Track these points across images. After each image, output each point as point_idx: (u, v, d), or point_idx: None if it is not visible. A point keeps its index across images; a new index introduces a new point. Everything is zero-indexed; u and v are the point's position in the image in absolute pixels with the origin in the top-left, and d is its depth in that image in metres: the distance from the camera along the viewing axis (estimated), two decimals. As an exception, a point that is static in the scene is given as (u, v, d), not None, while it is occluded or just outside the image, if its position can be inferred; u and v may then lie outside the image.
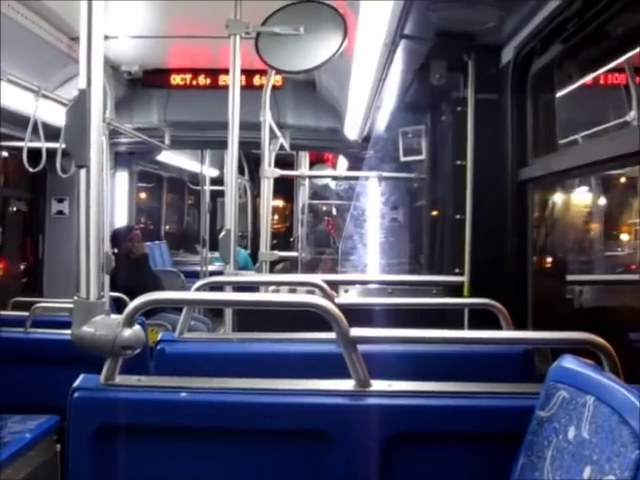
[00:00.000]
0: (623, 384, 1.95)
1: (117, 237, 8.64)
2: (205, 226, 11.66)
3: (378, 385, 2.54)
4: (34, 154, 5.62)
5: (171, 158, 12.50)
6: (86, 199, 2.41)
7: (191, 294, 3.41)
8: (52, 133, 5.63)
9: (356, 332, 2.51)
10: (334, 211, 13.76)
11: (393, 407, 2.50)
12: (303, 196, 11.92)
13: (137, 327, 2.44)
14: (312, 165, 12.62)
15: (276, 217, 17.17)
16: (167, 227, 15.29)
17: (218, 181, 12.66)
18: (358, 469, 2.45)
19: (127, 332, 2.39)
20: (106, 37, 2.47)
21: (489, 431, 2.49)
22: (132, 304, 2.48)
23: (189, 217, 16.97)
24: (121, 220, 10.34)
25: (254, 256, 11.16)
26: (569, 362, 2.22)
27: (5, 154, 7.78)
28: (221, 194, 12.64)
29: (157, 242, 13.14)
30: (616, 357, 2.36)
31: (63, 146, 5.48)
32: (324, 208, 14.20)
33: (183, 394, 2.49)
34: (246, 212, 13.80)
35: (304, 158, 11.11)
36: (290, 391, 2.55)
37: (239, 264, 8.04)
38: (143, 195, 14.08)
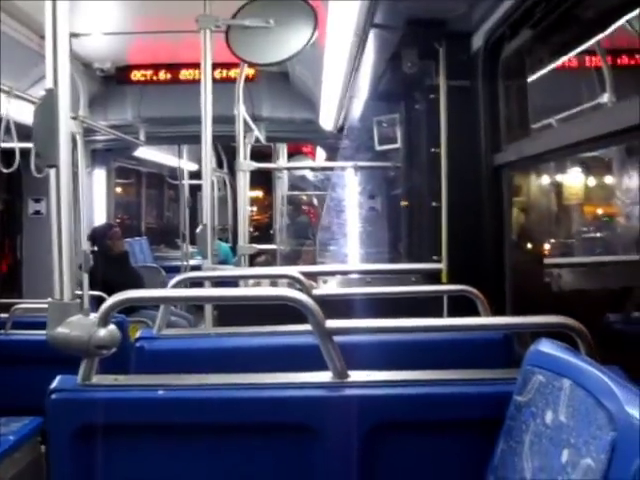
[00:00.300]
0: (598, 366, 1.95)
1: (96, 235, 8.59)
2: (185, 221, 11.63)
3: (356, 376, 2.55)
4: (7, 155, 5.58)
5: (149, 154, 12.48)
6: (57, 199, 2.40)
7: (166, 291, 3.41)
8: (25, 133, 5.59)
9: (332, 323, 2.51)
10: (315, 201, 13.76)
11: (372, 397, 2.50)
12: (282, 188, 11.93)
13: (112, 326, 2.43)
14: (291, 156, 12.64)
15: (256, 209, 17.16)
16: (147, 223, 15.25)
17: (197, 175, 12.60)
18: (339, 460, 2.46)
19: (102, 332, 2.38)
20: (77, 34, 2.47)
21: (469, 418, 2.50)
22: (106, 303, 2.48)
23: (169, 212, 16.93)
24: (100, 217, 10.30)
25: (235, 249, 11.18)
26: (545, 346, 2.22)
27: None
28: (201, 188, 12.57)
29: (137, 238, 13.10)
30: (591, 339, 2.38)
31: (36, 146, 5.47)
32: (304, 198, 14.18)
33: (160, 392, 2.49)
34: (226, 205, 13.76)
35: (282, 150, 11.11)
36: (269, 385, 2.55)
37: (220, 257, 8.05)
38: (122, 191, 14.04)
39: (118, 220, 12.38)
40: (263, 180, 13.79)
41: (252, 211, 13.01)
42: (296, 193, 13.53)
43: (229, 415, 2.50)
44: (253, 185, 6.36)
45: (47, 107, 2.36)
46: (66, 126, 2.38)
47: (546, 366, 2.14)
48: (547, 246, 5.04)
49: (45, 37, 2.40)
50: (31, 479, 4.54)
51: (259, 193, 17.87)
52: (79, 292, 2.67)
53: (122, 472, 2.50)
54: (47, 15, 2.37)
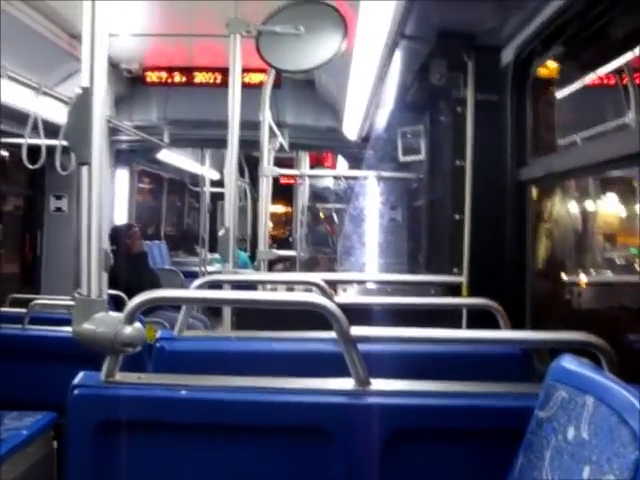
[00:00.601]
0: (622, 384, 1.95)
1: (116, 234, 8.62)
2: (205, 225, 11.65)
3: (378, 384, 2.55)
4: (33, 151, 5.62)
5: (171, 157, 12.51)
6: (88, 197, 2.41)
7: (191, 292, 3.42)
8: (51, 130, 5.64)
9: (356, 331, 2.52)
10: (335, 216, 13.74)
11: (392, 406, 2.51)
12: (303, 198, 11.93)
13: (137, 324, 2.45)
14: (312, 168, 12.63)
15: (273, 225, 17.17)
16: (167, 228, 15.28)
17: (219, 184, 12.64)
18: (358, 467, 2.46)
19: (128, 329, 2.40)
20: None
21: (488, 430, 2.50)
22: (133, 301, 2.49)
23: (189, 219, 16.95)
24: (121, 218, 10.33)
25: (253, 258, 11.18)
26: (568, 362, 2.22)
27: (4, 153, 7.78)
28: (222, 197, 12.61)
29: (156, 242, 13.12)
30: (615, 357, 2.37)
31: (63, 143, 5.49)
32: (321, 212, 14.18)
33: (183, 392, 2.50)
34: (246, 215, 13.76)
35: (304, 159, 11.12)
36: (289, 390, 2.56)
37: (239, 265, 8.05)
38: (144, 195, 14.08)
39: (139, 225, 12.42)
40: (283, 194, 13.81)
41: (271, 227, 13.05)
42: (318, 205, 13.53)
43: (250, 418, 2.51)
44: (273, 199, 6.36)
45: (82, 105, 2.38)
46: (100, 124, 2.40)
47: (569, 382, 2.14)
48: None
49: (75, 36, 2.42)
50: (43, 474, 4.56)
51: (278, 208, 17.91)
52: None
53: (141, 469, 2.51)
54: (85, 14, 2.39)
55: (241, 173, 13.03)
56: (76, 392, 2.47)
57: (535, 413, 2.24)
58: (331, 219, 13.57)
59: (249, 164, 13.19)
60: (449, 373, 2.75)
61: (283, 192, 12.89)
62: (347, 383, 2.54)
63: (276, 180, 6.03)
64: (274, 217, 17.00)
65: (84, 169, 2.41)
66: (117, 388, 2.50)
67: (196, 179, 12.81)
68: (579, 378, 2.11)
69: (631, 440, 1.75)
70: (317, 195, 13.36)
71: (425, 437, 2.52)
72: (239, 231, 5.28)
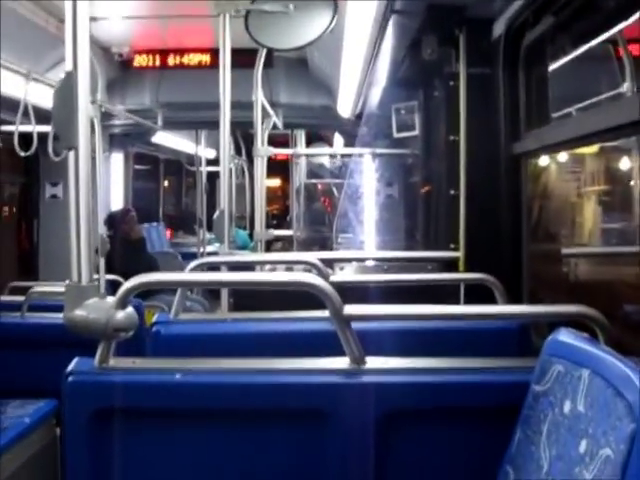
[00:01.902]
0: (618, 356, 1.93)
1: (113, 220, 8.61)
2: (202, 206, 11.62)
3: (373, 362, 2.54)
4: (25, 138, 5.59)
5: (167, 139, 12.47)
6: (75, 181, 2.39)
7: (183, 275, 3.41)
8: (43, 116, 5.61)
9: (350, 309, 2.50)
10: (335, 190, 13.70)
11: (388, 384, 2.50)
12: (299, 175, 11.90)
13: (130, 309, 2.43)
14: (309, 143, 12.60)
15: (271, 199, 17.15)
16: (166, 209, 15.25)
17: (216, 162, 12.59)
18: (354, 446, 2.46)
19: (120, 314, 2.38)
20: (95, 18, 2.45)
21: (485, 406, 2.49)
22: (124, 286, 2.48)
23: (187, 199, 16.93)
24: (117, 202, 10.31)
25: (252, 237, 11.16)
26: (564, 335, 2.21)
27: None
28: (219, 175, 12.54)
29: (154, 224, 13.11)
30: (611, 329, 2.36)
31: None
32: (319, 187, 14.14)
33: (178, 376, 2.49)
34: (244, 193, 13.73)
35: (300, 136, 11.09)
36: (285, 370, 2.55)
37: (238, 244, 8.04)
38: (140, 177, 14.04)
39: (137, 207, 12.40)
40: (280, 169, 13.77)
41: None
42: (314, 181, 13.50)
43: (246, 400, 2.51)
44: (270, 174, 6.34)
45: (66, 89, 2.36)
46: (85, 108, 2.37)
47: (565, 356, 2.13)
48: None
49: (64, 21, 2.38)
50: (46, 461, 4.56)
51: (275, 181, 17.89)
52: (96, 276, 2.68)
53: (138, 455, 2.50)
54: (67, -1, 2.36)
55: (238, 151, 13.00)
56: (70, 379, 2.46)
57: (531, 387, 2.23)
58: (329, 194, 13.54)
59: (246, 141, 13.16)
60: (447, 350, 2.74)
61: (279, 167, 12.85)
62: (342, 362, 2.53)
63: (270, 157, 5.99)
64: (270, 191, 17.03)
65: (71, 153, 2.39)
66: (111, 374, 2.49)
67: (193, 159, 12.76)
68: (575, 351, 2.10)
69: (627, 413, 1.74)
70: (314, 172, 13.33)
71: (422, 415, 2.51)
72: (237, 209, 5.27)
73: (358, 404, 2.45)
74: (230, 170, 5.03)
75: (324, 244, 10.16)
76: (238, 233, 9.94)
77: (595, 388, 1.91)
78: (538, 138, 3.90)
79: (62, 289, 4.70)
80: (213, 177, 12.75)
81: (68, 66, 2.35)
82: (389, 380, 2.51)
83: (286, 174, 13.98)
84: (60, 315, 3.88)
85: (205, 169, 12.15)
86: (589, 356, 2.03)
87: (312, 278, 2.58)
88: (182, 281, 3.28)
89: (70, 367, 2.49)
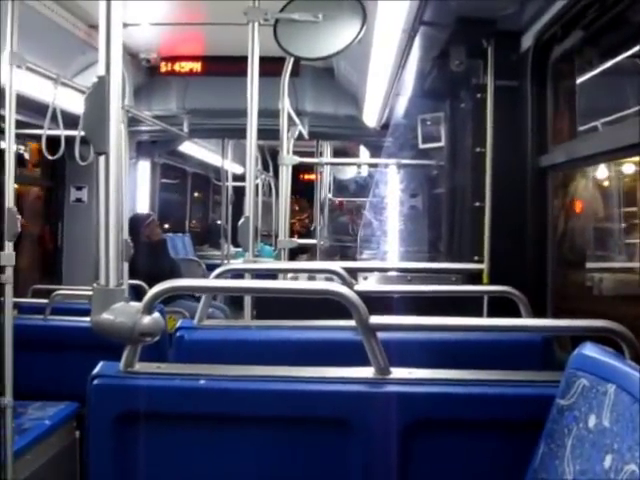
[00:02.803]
0: (644, 372, 1.93)
1: (134, 223, 8.63)
2: (227, 218, 11.62)
3: (398, 373, 2.54)
4: (53, 142, 5.63)
5: (194, 150, 12.48)
6: (105, 186, 2.40)
7: (210, 281, 3.41)
8: (70, 121, 5.64)
9: (376, 319, 2.51)
10: (358, 207, 13.64)
11: (413, 395, 2.50)
12: (324, 189, 11.88)
13: (156, 314, 2.44)
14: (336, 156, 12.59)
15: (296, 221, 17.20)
16: (192, 223, 15.27)
17: (242, 178, 12.51)
18: (377, 456, 2.45)
19: (146, 319, 2.39)
20: (126, 25, 2.46)
21: (509, 419, 2.48)
22: (152, 291, 2.49)
23: (215, 214, 16.91)
24: (143, 210, 10.33)
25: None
26: (590, 350, 2.20)
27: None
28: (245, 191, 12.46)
29: (180, 234, 13.14)
30: (637, 345, 2.35)
31: (82, 133, 5.50)
32: (344, 203, 14.11)
33: (202, 381, 2.50)
34: (271, 210, 13.70)
35: (326, 148, 11.07)
36: (309, 379, 2.55)
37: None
38: (168, 189, 14.06)
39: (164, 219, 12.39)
40: (303, 190, 13.77)
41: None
42: (339, 199, 13.50)
43: (269, 407, 2.51)
44: (296, 195, 6.37)
45: (98, 94, 2.37)
46: (117, 114, 2.39)
47: (590, 370, 2.12)
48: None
49: (92, 26, 2.41)
50: (65, 463, 4.59)
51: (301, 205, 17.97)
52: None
53: (161, 459, 2.51)
54: (101, 3, 2.38)
55: (265, 167, 12.99)
56: (95, 382, 2.48)
57: (556, 401, 2.22)
58: (354, 210, 13.54)
59: (274, 158, 13.12)
60: (470, 362, 2.73)
61: (306, 190, 12.83)
62: (367, 372, 2.53)
63: (297, 176, 5.99)
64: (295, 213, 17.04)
65: (101, 159, 2.40)
66: (136, 378, 2.50)
67: (220, 173, 12.77)
68: (600, 366, 2.09)
69: (654, 429, 1.73)
70: (340, 187, 13.32)
71: (445, 426, 2.51)
72: (264, 226, 5.28)
73: (382, 414, 2.45)
74: (256, 184, 5.03)
75: (348, 254, 10.15)
76: (264, 249, 9.96)
77: (621, 403, 1.90)
78: (566, 151, 3.90)
79: (85, 292, 4.75)
80: (240, 193, 12.73)
81: (100, 71, 2.36)
82: (414, 390, 2.51)
83: (312, 196, 13.97)
84: (82, 318, 3.93)
85: (232, 184, 12.15)
86: (615, 371, 2.02)
87: (339, 287, 2.59)
88: (209, 287, 3.29)
89: (96, 370, 2.51)
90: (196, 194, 15.80)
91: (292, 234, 8.37)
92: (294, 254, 6.69)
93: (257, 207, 4.63)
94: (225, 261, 10.87)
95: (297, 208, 18.26)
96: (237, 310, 7.60)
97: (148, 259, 7.95)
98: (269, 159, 12.93)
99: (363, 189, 11.75)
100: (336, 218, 13.23)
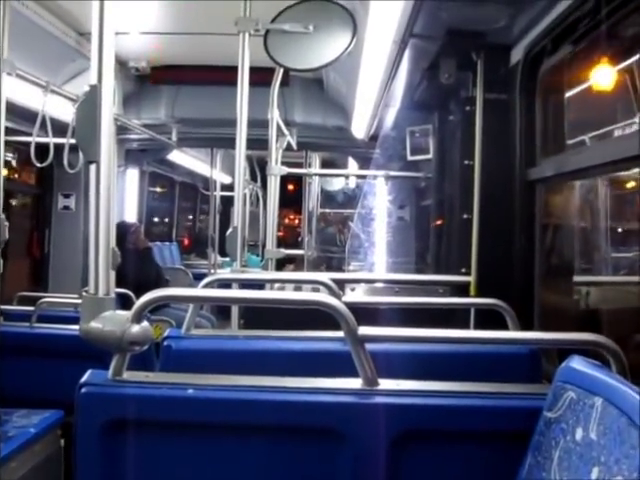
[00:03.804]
0: (632, 386, 1.94)
1: (120, 230, 8.59)
2: (214, 225, 11.62)
3: (386, 384, 2.54)
4: (41, 149, 5.62)
5: (182, 159, 12.48)
6: (96, 195, 2.41)
7: (199, 291, 3.41)
8: (59, 128, 5.64)
9: (364, 331, 2.51)
10: (345, 219, 13.64)
11: (401, 406, 2.50)
12: (312, 200, 11.87)
13: (145, 323, 2.44)
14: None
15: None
16: (179, 232, 15.26)
17: (230, 188, 12.50)
18: (365, 467, 2.45)
19: (135, 328, 2.39)
20: (116, 33, 2.46)
21: (496, 431, 2.49)
22: (141, 300, 2.48)
23: (202, 224, 16.90)
24: (131, 218, 10.31)
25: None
26: (577, 363, 2.21)
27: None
28: (233, 201, 12.42)
29: (167, 243, 13.13)
30: (624, 358, 2.36)
31: (71, 141, 5.50)
32: (332, 215, 14.11)
33: (190, 391, 2.50)
34: (258, 220, 13.71)
35: (315, 159, 11.08)
36: (297, 389, 2.55)
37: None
38: (156, 198, 14.05)
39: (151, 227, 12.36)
40: (293, 202, 13.75)
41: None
42: (327, 210, 13.50)
43: (257, 417, 2.51)
44: (284, 206, 6.35)
45: (90, 103, 2.37)
46: (108, 122, 2.39)
47: (578, 383, 2.13)
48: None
49: (83, 34, 2.42)
50: (50, 471, 4.56)
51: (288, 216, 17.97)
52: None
53: (148, 468, 2.51)
54: (94, 12, 2.38)
55: (253, 177, 12.99)
56: (83, 390, 2.47)
57: (543, 414, 2.23)
58: (341, 222, 13.54)
59: (262, 169, 13.11)
60: (457, 373, 2.74)
61: (293, 201, 12.82)
62: (355, 383, 2.53)
63: (285, 186, 6.00)
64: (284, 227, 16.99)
65: (92, 167, 2.40)
66: (124, 387, 2.49)
67: (208, 183, 12.75)
68: (588, 379, 2.10)
69: (640, 441, 1.74)
70: (327, 198, 13.32)
71: (433, 437, 2.51)
72: (251, 236, 5.29)
73: (370, 425, 2.45)
74: (244, 194, 5.04)
75: (335, 265, 10.14)
76: (251, 259, 9.94)
77: (608, 416, 1.91)
78: (554, 165, 3.91)
79: (71, 300, 4.73)
80: (228, 203, 12.72)
81: (93, 79, 2.37)
82: (401, 402, 2.51)
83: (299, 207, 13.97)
84: (68, 326, 3.91)
85: (219, 193, 12.15)
86: (602, 384, 2.03)
87: (329, 298, 2.59)
88: (198, 297, 3.29)
89: (84, 378, 2.50)
90: (183, 203, 15.78)
91: (279, 243, 8.37)
92: (281, 264, 6.68)
93: (245, 217, 4.62)
94: (212, 270, 10.87)
95: (287, 221, 18.31)
96: (224, 319, 7.58)
97: (134, 266, 7.92)
98: (257, 169, 12.93)
99: (351, 200, 11.76)
100: (324, 229, 13.22)
